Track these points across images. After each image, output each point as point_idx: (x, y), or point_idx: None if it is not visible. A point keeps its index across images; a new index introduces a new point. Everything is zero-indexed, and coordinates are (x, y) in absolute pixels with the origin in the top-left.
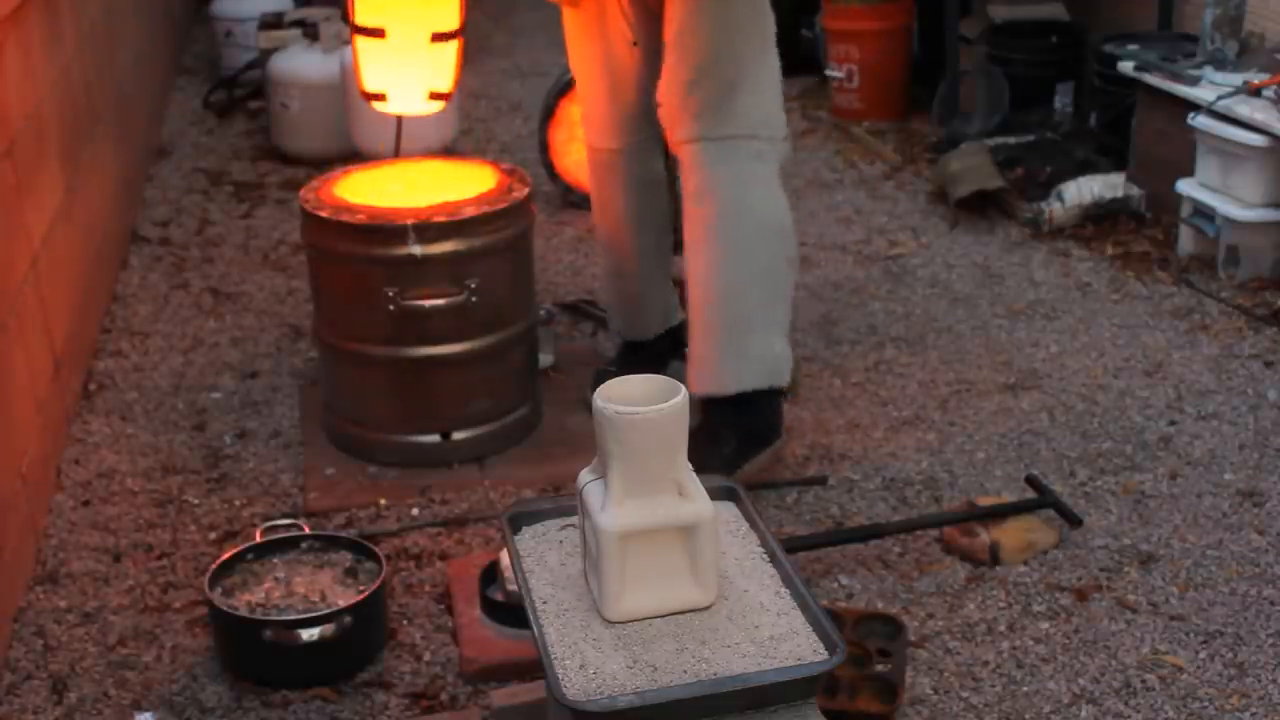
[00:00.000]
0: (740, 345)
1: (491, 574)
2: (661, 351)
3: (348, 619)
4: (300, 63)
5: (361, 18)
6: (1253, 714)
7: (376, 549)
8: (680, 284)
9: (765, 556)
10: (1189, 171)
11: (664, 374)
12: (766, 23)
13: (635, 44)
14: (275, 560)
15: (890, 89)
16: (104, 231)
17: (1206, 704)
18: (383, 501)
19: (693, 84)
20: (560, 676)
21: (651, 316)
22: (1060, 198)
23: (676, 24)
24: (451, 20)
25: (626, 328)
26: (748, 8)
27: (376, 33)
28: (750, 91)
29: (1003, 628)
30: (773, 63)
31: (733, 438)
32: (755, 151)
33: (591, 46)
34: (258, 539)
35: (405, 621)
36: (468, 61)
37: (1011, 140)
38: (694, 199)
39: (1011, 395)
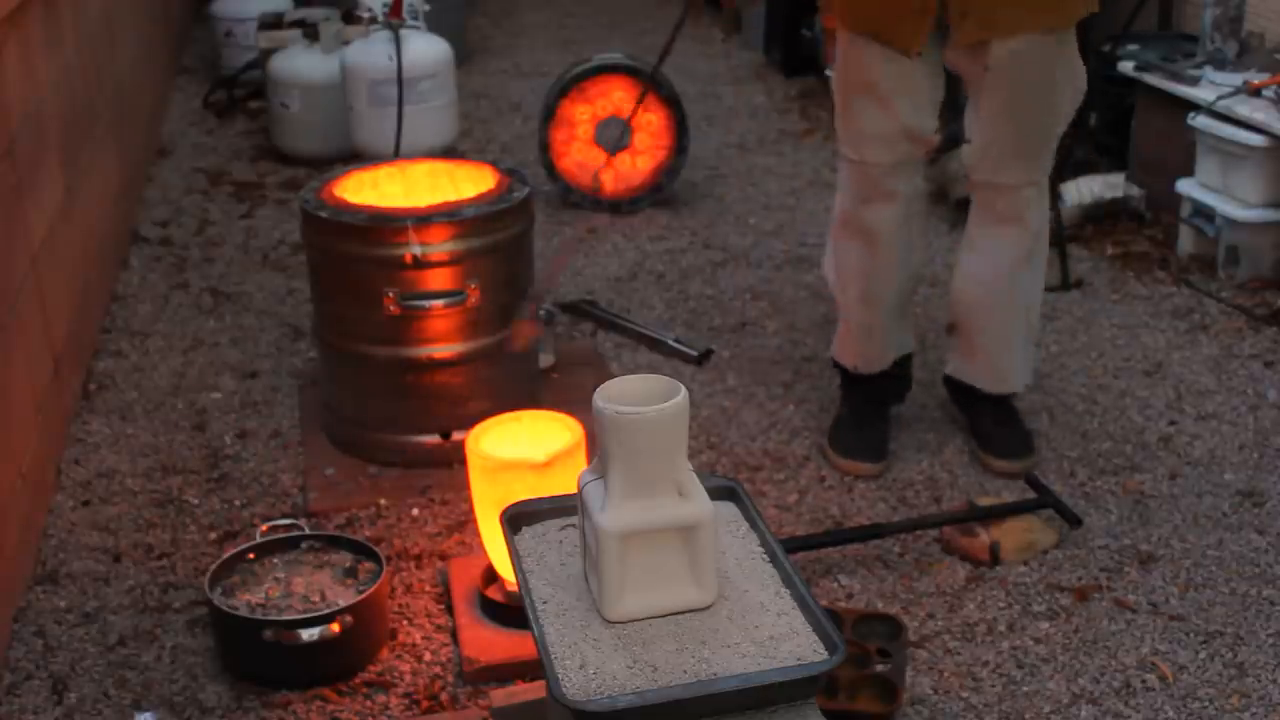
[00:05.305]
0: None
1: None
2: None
3: (348, 619)
4: (300, 63)
5: None
6: (1253, 714)
7: (376, 549)
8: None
9: (765, 556)
10: (1189, 171)
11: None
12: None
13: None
14: (275, 560)
15: None
16: (104, 231)
17: (1206, 704)
18: (383, 501)
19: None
20: (560, 676)
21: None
22: (1060, 198)
23: (1006, 91)
24: None
25: (867, 358)
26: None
27: None
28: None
29: (1003, 628)
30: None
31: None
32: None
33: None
34: (258, 539)
35: (405, 621)
36: (468, 61)
37: None
38: (1024, 231)
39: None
